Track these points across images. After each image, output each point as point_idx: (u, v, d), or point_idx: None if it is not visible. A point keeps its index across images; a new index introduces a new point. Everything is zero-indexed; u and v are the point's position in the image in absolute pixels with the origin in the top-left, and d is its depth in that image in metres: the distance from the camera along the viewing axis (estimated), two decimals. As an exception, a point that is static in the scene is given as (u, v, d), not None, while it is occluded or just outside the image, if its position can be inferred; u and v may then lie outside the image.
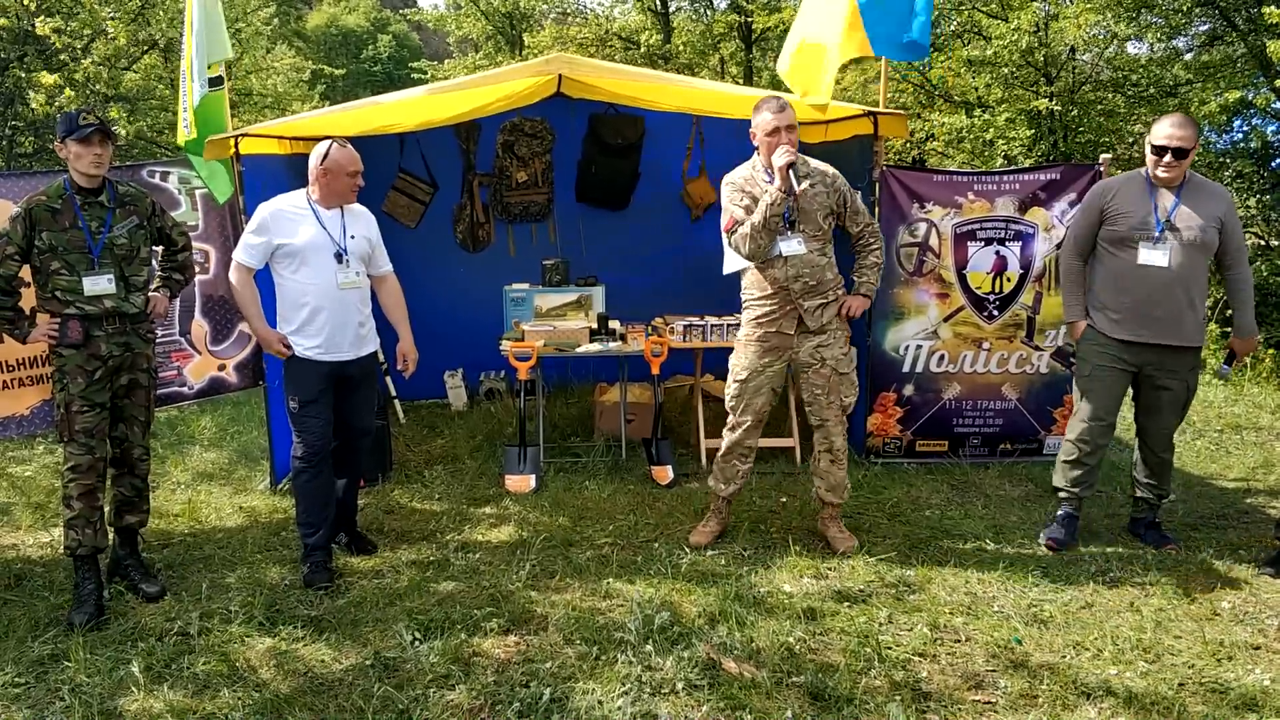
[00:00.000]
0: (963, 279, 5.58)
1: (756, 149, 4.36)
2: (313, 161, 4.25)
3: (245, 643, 3.68)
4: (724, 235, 4.39)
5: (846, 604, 3.93)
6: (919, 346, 5.68)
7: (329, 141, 4.26)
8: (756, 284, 4.39)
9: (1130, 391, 4.55)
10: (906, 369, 5.70)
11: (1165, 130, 4.22)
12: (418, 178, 7.05)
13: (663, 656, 3.47)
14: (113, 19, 10.84)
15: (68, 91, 9.38)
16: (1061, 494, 4.64)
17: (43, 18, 9.49)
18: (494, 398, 7.11)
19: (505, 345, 5.70)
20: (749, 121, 4.32)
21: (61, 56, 9.71)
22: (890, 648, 3.56)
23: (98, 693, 3.33)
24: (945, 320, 5.65)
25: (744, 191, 4.34)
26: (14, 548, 4.93)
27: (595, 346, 5.77)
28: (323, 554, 4.30)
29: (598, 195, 7.14)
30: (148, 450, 4.37)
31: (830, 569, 4.28)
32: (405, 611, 3.88)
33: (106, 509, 4.21)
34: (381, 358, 4.96)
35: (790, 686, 3.30)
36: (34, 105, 9.36)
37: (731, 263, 4.62)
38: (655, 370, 5.62)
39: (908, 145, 13.75)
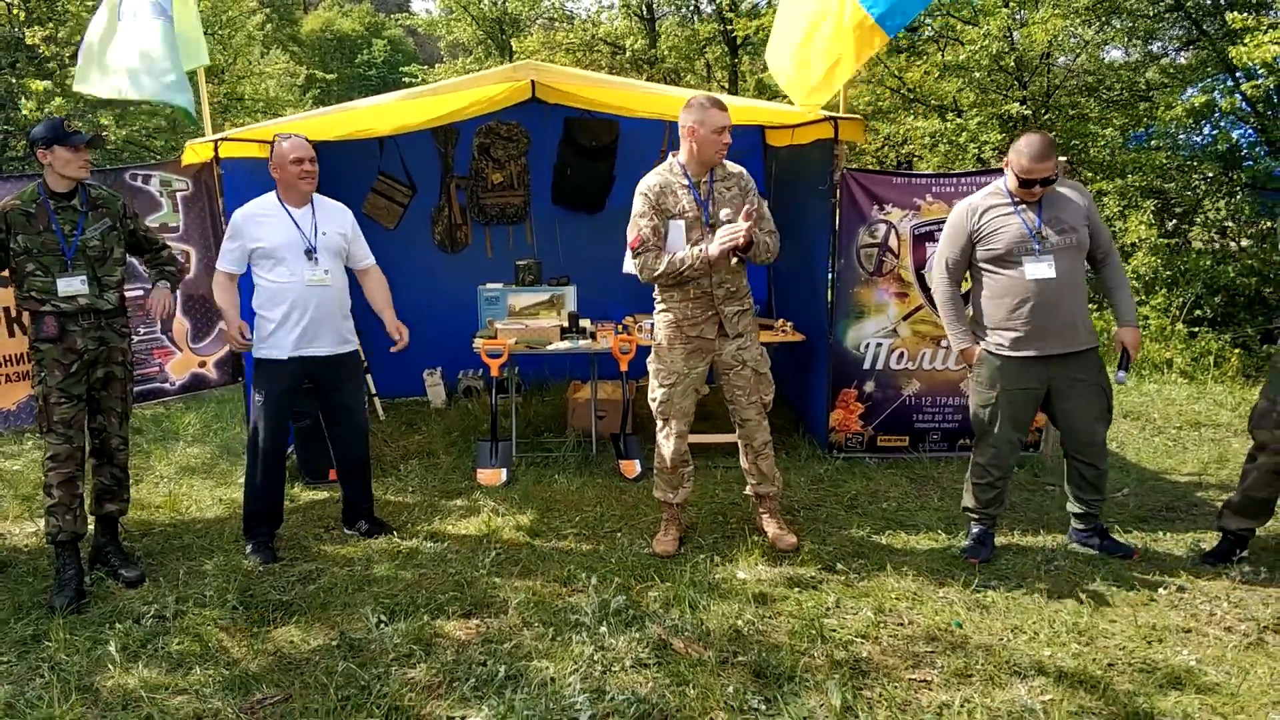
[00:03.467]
0: (921, 279, 5.75)
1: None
2: (272, 161, 4.45)
3: (218, 625, 3.85)
4: (629, 249, 4.34)
5: (797, 589, 4.10)
6: (879, 344, 5.85)
7: (275, 139, 4.44)
8: (679, 289, 4.33)
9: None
10: (867, 366, 5.87)
11: (1028, 165, 4.10)
12: (396, 180, 7.21)
13: (615, 637, 3.64)
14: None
15: (58, 99, 9.52)
16: (971, 515, 4.56)
17: (33, 28, 9.64)
18: (471, 395, 7.27)
19: (478, 343, 5.86)
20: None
21: (50, 64, 9.85)
22: (834, 630, 3.72)
23: (76, 670, 3.50)
24: (904, 319, 5.82)
25: (656, 208, 4.27)
26: (2, 537, 5.09)
27: (565, 344, 5.93)
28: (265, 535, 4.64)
29: (573, 198, 7.30)
30: (126, 440, 4.53)
31: (785, 557, 4.45)
32: (373, 596, 4.05)
33: (87, 498, 4.37)
34: (362, 355, 5.13)
35: (735, 665, 3.46)
36: (25, 111, 9.50)
37: (630, 264, 4.52)
38: (624, 368, 5.79)
39: (887, 148, 13.93)
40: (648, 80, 14.97)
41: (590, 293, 6.63)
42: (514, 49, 18.91)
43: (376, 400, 7.09)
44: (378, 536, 4.77)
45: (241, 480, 5.73)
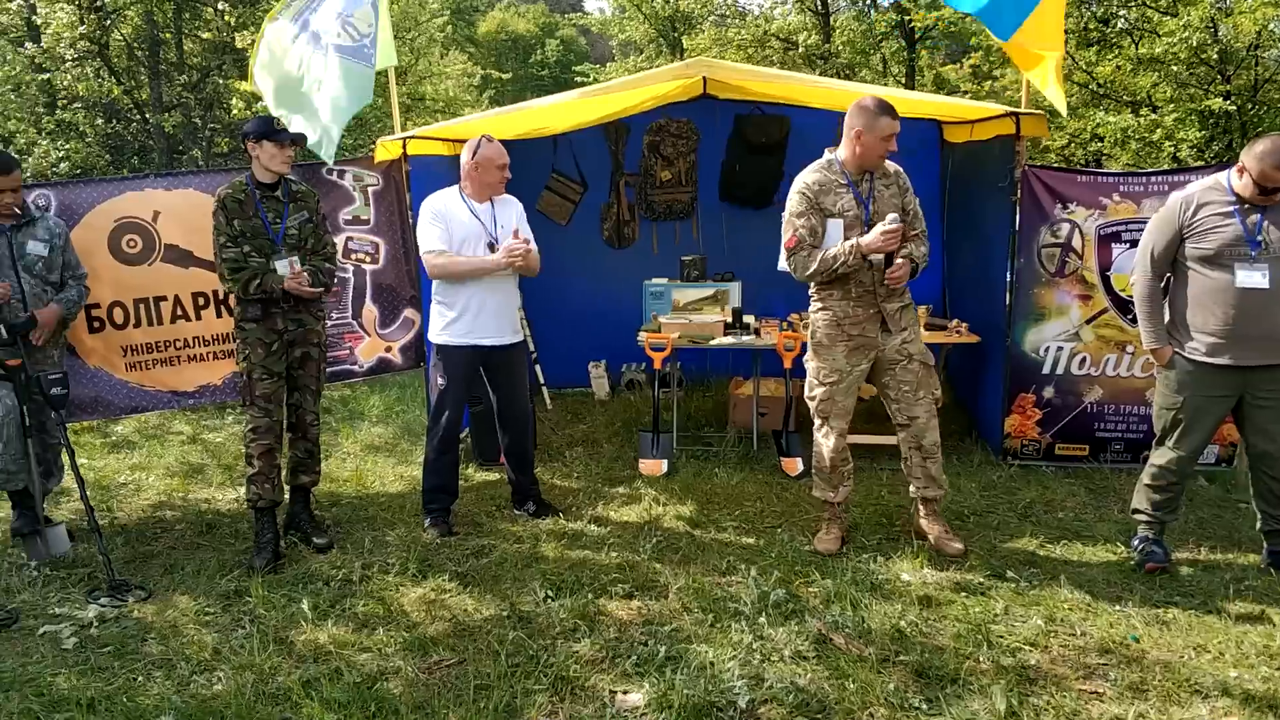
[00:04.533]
0: (1106, 281, 5.51)
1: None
2: (464, 157, 4.68)
3: (400, 590, 4.11)
4: (783, 249, 4.30)
5: (963, 594, 4.01)
6: (1060, 348, 5.64)
7: (479, 138, 4.67)
8: (839, 286, 4.29)
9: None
10: (1047, 371, 5.67)
11: (1271, 172, 3.83)
12: (569, 178, 7.43)
13: (774, 628, 3.68)
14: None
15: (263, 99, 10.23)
16: (1141, 517, 4.37)
17: (242, 32, 10.43)
18: (634, 388, 7.42)
19: (642, 336, 5.98)
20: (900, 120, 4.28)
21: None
22: (1002, 636, 3.64)
23: (273, 624, 3.82)
24: (1088, 322, 5.59)
25: (815, 206, 4.22)
26: (207, 501, 5.57)
27: (728, 340, 5.98)
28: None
29: (741, 194, 7.33)
30: (318, 416, 4.88)
31: (952, 562, 4.37)
32: (540, 573, 4.22)
33: (283, 468, 4.74)
34: (531, 347, 5.35)
35: (896, 664, 3.44)
36: (234, 111, 10.30)
37: (785, 263, 4.46)
38: (787, 364, 5.78)
39: (1074, 145, 13.33)
40: (820, 76, 14.80)
41: (755, 289, 6.65)
42: (685, 46, 19.04)
43: (544, 390, 7.33)
44: (545, 518, 4.96)
45: (420, 459, 6.06)
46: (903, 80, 17.17)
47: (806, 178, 4.29)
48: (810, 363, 4.48)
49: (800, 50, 17.62)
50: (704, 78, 5.75)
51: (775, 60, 17.75)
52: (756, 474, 5.69)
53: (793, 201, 4.28)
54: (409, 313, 5.94)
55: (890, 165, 4.32)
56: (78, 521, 5.07)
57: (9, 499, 4.92)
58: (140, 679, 3.44)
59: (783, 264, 4.40)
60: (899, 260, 4.18)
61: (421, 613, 3.91)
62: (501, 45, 35.15)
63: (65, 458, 4.77)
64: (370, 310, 5.92)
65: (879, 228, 4.08)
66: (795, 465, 5.67)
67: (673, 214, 7.44)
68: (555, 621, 3.76)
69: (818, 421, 4.49)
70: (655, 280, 6.59)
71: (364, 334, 5.93)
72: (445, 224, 4.65)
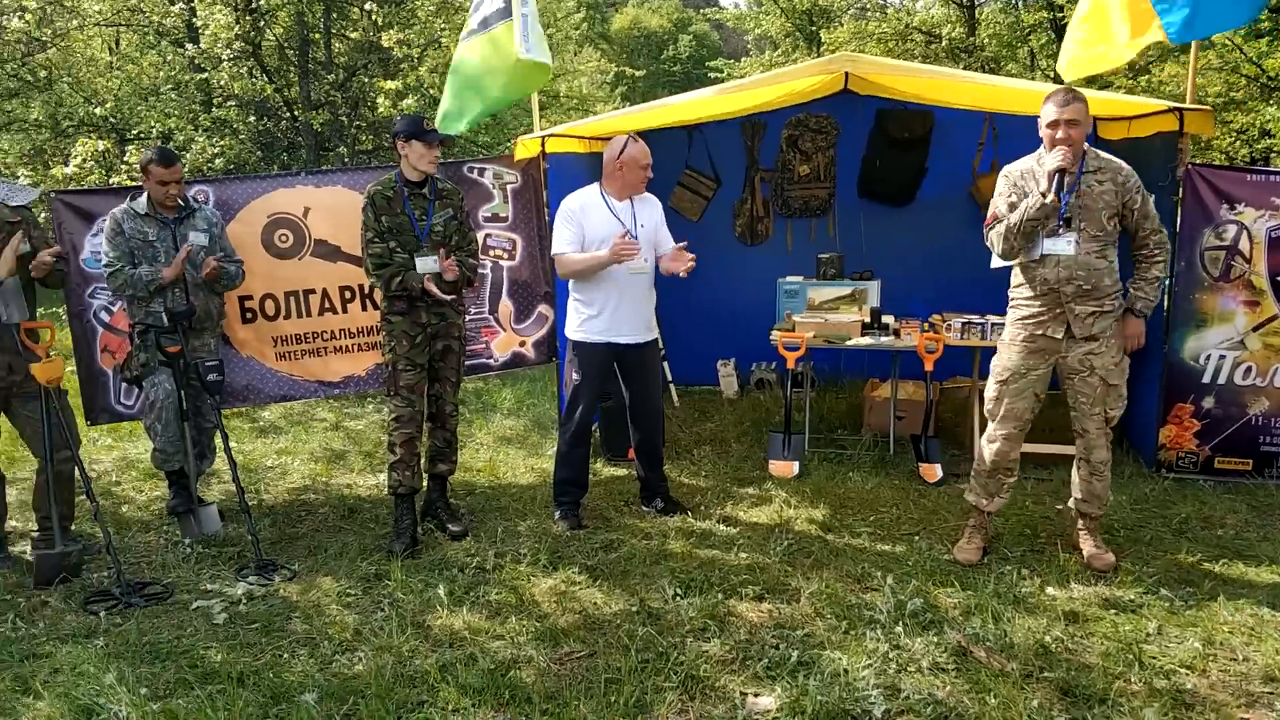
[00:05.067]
0: (1276, 286, 5.15)
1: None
2: (609, 155, 4.69)
3: (531, 580, 4.16)
4: (984, 229, 4.25)
5: (1113, 611, 3.81)
6: (1222, 357, 5.29)
7: (625, 137, 4.69)
8: (1027, 283, 4.19)
9: None
10: (1207, 380, 5.33)
11: None
12: (702, 174, 7.40)
13: (911, 638, 3.56)
14: (444, 30, 12.09)
15: (410, 97, 10.58)
16: None
17: (388, 31, 10.79)
18: (764, 387, 7.34)
19: (775, 335, 5.90)
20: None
21: (401, 65, 10.97)
22: (1155, 657, 3.44)
23: (411, 608, 3.91)
24: (1254, 330, 5.23)
25: (1016, 186, 4.16)
26: (349, 487, 5.76)
27: (866, 340, 5.84)
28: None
29: (881, 190, 7.16)
30: (457, 408, 4.99)
31: (1100, 577, 4.15)
32: (669, 570, 4.20)
33: (422, 457, 4.85)
34: (660, 344, 5.35)
35: (1041, 681, 3.28)
36: (381, 110, 10.66)
37: (999, 258, 4.45)
38: (928, 367, 5.61)
39: (1240, 143, 12.55)
40: (964, 70, 14.35)
41: (895, 288, 6.48)
42: (823, 40, 18.76)
43: (672, 387, 7.32)
44: (673, 515, 4.94)
45: (551, 452, 6.14)
46: (1051, 75, 16.48)
47: (1010, 166, 4.26)
48: (993, 361, 4.38)
49: (943, 44, 17.12)
50: (846, 73, 5.62)
51: (917, 54, 17.31)
52: (892, 479, 5.54)
53: (997, 184, 4.25)
54: (543, 308, 6.01)
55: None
56: (228, 502, 5.31)
57: (166, 479, 5.19)
58: (285, 655, 3.57)
59: (996, 260, 4.35)
60: (1135, 322, 4.16)
61: (552, 603, 3.94)
62: (634, 41, 35.29)
63: (219, 441, 5.00)
64: (506, 305, 6.01)
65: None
66: (934, 472, 5.49)
67: (809, 210, 7.32)
68: (684, 620, 3.73)
69: (989, 421, 4.37)
70: (790, 278, 6.49)
71: (499, 329, 6.03)
72: (581, 223, 4.68)
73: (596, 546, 4.55)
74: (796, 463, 5.62)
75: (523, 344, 6.08)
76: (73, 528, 4.75)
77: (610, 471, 5.82)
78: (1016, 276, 4.28)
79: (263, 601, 4.07)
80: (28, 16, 11.43)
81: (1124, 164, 4.15)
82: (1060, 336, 4.15)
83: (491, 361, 6.04)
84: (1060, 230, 4.04)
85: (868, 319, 6.01)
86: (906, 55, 17.05)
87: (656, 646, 3.52)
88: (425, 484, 4.95)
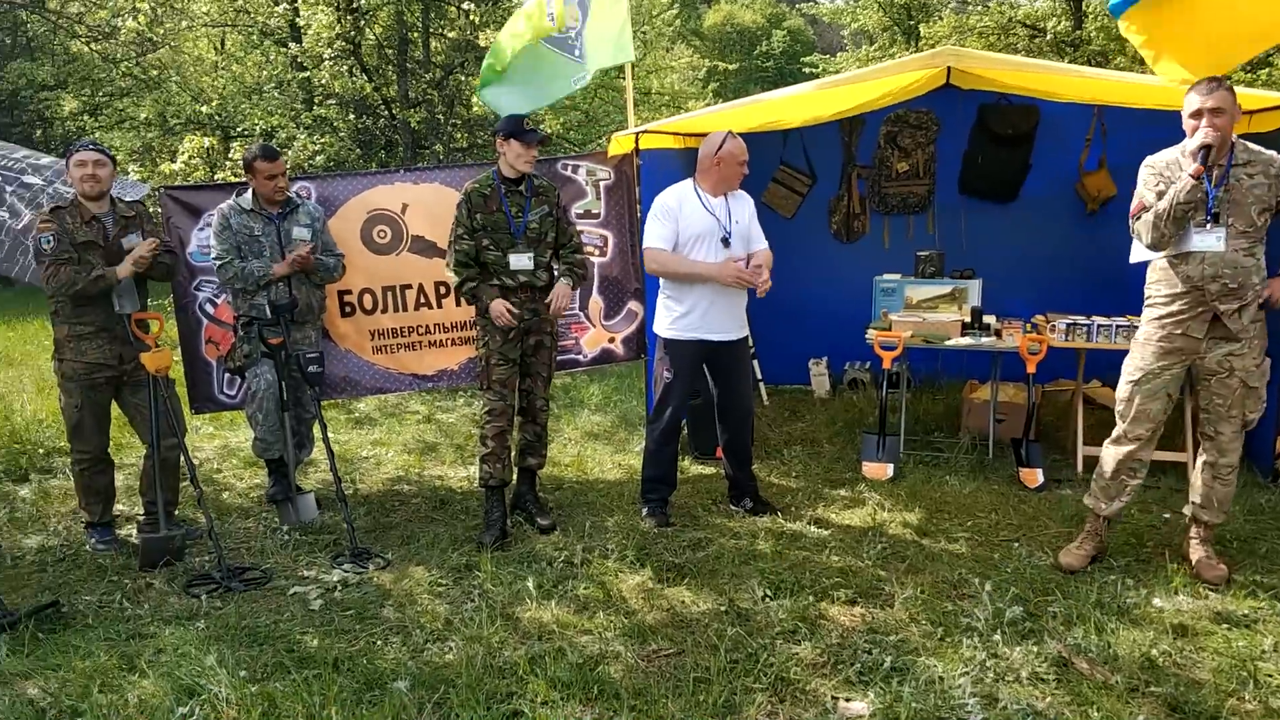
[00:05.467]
0: None
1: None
2: (705, 151, 4.65)
3: (618, 576, 4.15)
4: (1130, 220, 4.04)
5: (1225, 625, 3.63)
6: (1348, 362, 5.00)
7: (723, 133, 4.64)
8: (1165, 280, 3.97)
9: None
10: (1330, 387, 5.04)
11: None
12: (798, 170, 7.29)
13: (1010, 647, 3.44)
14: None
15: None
16: None
17: (485, 30, 10.90)
18: (857, 387, 7.21)
19: (871, 334, 5.78)
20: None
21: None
22: (1271, 675, 3.25)
23: (500, 599, 3.94)
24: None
25: (1161, 176, 3.93)
26: (440, 478, 5.84)
27: (966, 340, 5.68)
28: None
29: (982, 187, 6.96)
30: (547, 403, 5.01)
31: (1211, 589, 3.95)
32: (759, 570, 4.14)
33: (513, 451, 4.88)
34: (750, 342, 5.30)
35: (1147, 695, 3.14)
36: (473, 107, 10.79)
37: (1139, 252, 4.22)
38: (1031, 369, 5.43)
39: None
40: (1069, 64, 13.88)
41: (996, 287, 6.28)
42: (922, 35, 18.35)
43: (761, 386, 7.24)
44: (762, 515, 4.87)
45: (638, 449, 6.14)
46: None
47: (1154, 157, 4.06)
48: (1126, 359, 4.20)
49: (1048, 38, 16.58)
50: (948, 68, 5.46)
51: (1020, 48, 16.79)
52: (991, 484, 5.37)
53: (1140, 175, 4.06)
54: (633, 305, 6.00)
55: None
56: (325, 491, 5.42)
57: (266, 467, 5.33)
58: (378, 643, 3.62)
59: (1136, 251, 4.18)
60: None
61: (639, 600, 3.92)
62: (726, 37, 35.02)
63: (317, 431, 5.11)
64: (596, 302, 6.01)
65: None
66: (1035, 477, 5.31)
67: (907, 207, 7.16)
68: (774, 621, 3.67)
69: (1118, 422, 4.19)
70: (887, 276, 6.35)
71: (589, 325, 6.03)
72: (675, 220, 4.65)
73: (684, 545, 4.51)
74: (891, 465, 5.49)
75: (612, 340, 6.08)
76: (176, 513, 4.91)
77: (698, 470, 5.77)
78: (1154, 273, 4.06)
79: (357, 589, 4.15)
80: (140, 18, 11.90)
81: (1276, 155, 3.91)
82: (1200, 336, 3.95)
83: (580, 357, 6.06)
84: (1207, 225, 3.83)
85: (968, 319, 5.85)
86: (1009, 50, 16.56)
87: (746, 647, 3.47)
88: (515, 477, 4.98)
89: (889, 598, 3.90)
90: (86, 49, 13.45)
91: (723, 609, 3.79)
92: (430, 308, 5.69)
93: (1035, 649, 3.43)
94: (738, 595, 3.92)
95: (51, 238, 4.36)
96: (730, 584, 4.04)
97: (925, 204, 7.13)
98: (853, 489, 5.32)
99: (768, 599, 3.87)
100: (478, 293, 4.66)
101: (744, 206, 4.78)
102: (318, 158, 10.52)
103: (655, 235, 4.67)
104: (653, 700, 3.13)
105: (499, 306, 4.59)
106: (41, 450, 6.33)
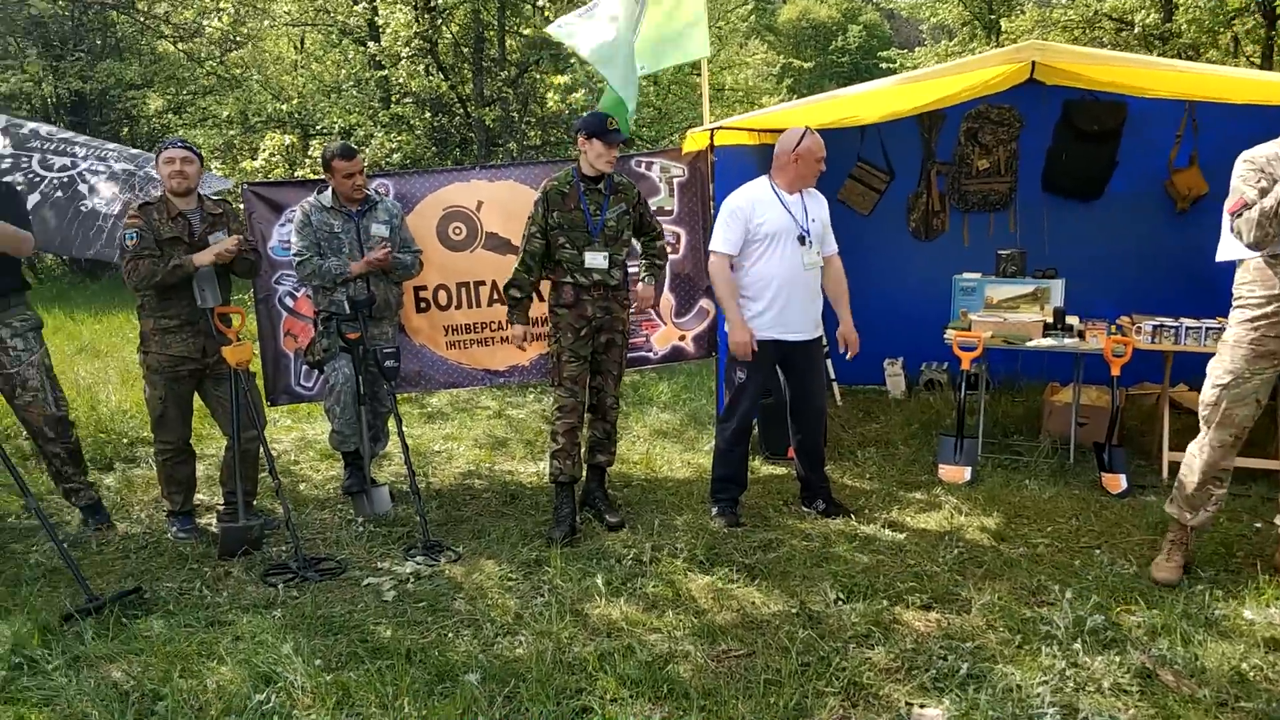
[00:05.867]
0: None
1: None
2: (783, 147, 4.60)
3: (688, 576, 4.12)
4: (1226, 216, 3.84)
5: (1321, 642, 3.48)
6: None
7: (802, 129, 4.59)
8: (1261, 280, 3.78)
9: None
10: None
11: None
12: (875, 166, 7.18)
13: (1091, 656, 3.34)
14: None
15: (578, 93, 10.72)
16: None
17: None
18: (933, 388, 7.07)
19: (950, 334, 5.66)
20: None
21: (571, 60, 11.12)
22: (1378, 697, 3.11)
23: (569, 595, 3.94)
24: None
25: (1262, 171, 3.73)
26: (510, 473, 5.88)
27: (1048, 341, 5.53)
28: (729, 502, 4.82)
29: (1066, 184, 6.77)
30: (618, 400, 5.00)
31: (1307, 604, 3.79)
32: (831, 573, 4.08)
33: (582, 447, 4.89)
34: (824, 341, 5.23)
35: (1236, 710, 3.03)
36: (550, 105, 10.85)
37: (1228, 249, 4.04)
38: (1115, 372, 5.26)
39: None
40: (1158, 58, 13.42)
41: (1080, 287, 6.10)
42: (1003, 29, 17.95)
43: (835, 385, 7.14)
44: (835, 517, 4.80)
45: (707, 447, 6.10)
46: (1258, 61, 15.28)
47: (1252, 151, 3.86)
48: (1211, 363, 4.03)
49: (1135, 31, 16.07)
50: (1033, 62, 5.32)
51: (1106, 42, 16.30)
52: (1072, 489, 5.22)
53: (1236, 169, 3.85)
54: (704, 303, 5.96)
55: None
56: (398, 484, 5.49)
57: (342, 459, 5.41)
58: (450, 635, 3.65)
59: (1225, 248, 4.04)
60: None
61: (709, 600, 3.89)
62: (801, 33, 34.70)
63: (392, 425, 5.17)
64: (667, 299, 5.99)
65: None
66: (1118, 482, 5.14)
67: (988, 205, 7.00)
68: (847, 625, 3.61)
69: (1202, 426, 4.03)
70: (967, 275, 6.21)
71: (660, 322, 6.01)
72: (745, 222, 4.61)
73: (754, 545, 4.46)
74: (969, 468, 5.37)
75: (682, 338, 6.05)
76: (254, 503, 5.01)
77: (769, 470, 5.72)
78: (1247, 273, 3.87)
79: (429, 581, 4.19)
80: (223, 18, 12.21)
81: None
82: None
83: (651, 355, 6.04)
84: None
85: (1050, 319, 5.70)
86: (1094, 43, 16.09)
87: (817, 650, 3.41)
88: (584, 474, 4.99)
89: (965, 603, 3.81)
90: (173, 48, 13.85)
91: (794, 611, 3.74)
92: (503, 304, 5.70)
93: (1118, 659, 3.33)
94: (809, 598, 3.86)
95: (135, 234, 4.47)
96: (802, 586, 3.98)
97: (1007, 201, 6.97)
98: (928, 492, 5.22)
99: (840, 602, 3.81)
100: (515, 308, 4.80)
101: (819, 205, 4.74)
102: (394, 155, 10.69)
103: (721, 239, 4.66)
104: (723, 701, 3.09)
105: (518, 332, 4.81)
106: (125, 440, 6.52)
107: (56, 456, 4.90)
